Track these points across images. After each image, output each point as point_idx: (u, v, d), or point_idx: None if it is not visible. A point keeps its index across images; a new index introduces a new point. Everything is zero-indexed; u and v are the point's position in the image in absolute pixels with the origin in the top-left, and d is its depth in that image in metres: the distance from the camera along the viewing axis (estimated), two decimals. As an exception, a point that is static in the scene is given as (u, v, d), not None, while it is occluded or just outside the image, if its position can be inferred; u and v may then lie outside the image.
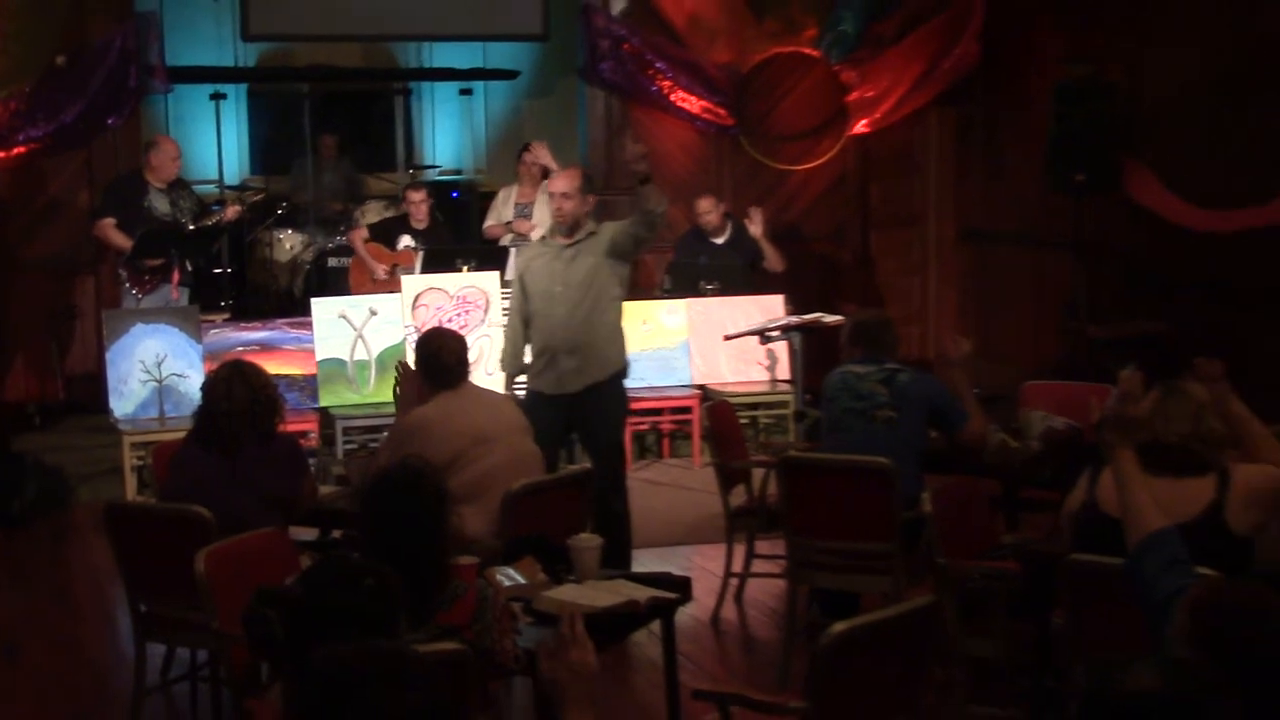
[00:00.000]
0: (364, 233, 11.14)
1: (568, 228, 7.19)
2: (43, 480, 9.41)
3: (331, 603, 3.32)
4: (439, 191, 11.92)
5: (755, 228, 10.78)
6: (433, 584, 4.12)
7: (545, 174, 10.99)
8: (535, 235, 10.35)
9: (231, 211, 10.56)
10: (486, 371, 9.26)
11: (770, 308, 10.42)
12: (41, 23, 10.50)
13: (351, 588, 3.35)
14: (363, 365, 9.98)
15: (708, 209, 10.82)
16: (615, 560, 7.01)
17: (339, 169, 13.86)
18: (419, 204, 10.86)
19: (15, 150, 10.50)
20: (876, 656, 4.19)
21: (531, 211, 10.97)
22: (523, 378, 7.49)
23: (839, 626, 4.06)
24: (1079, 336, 10.19)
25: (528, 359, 7.43)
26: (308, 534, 6.49)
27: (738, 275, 10.79)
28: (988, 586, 5.58)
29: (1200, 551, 3.95)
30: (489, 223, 11.31)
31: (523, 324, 7.33)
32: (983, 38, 11.85)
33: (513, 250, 10.44)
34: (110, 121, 10.82)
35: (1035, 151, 10.57)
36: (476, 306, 9.85)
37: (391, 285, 10.38)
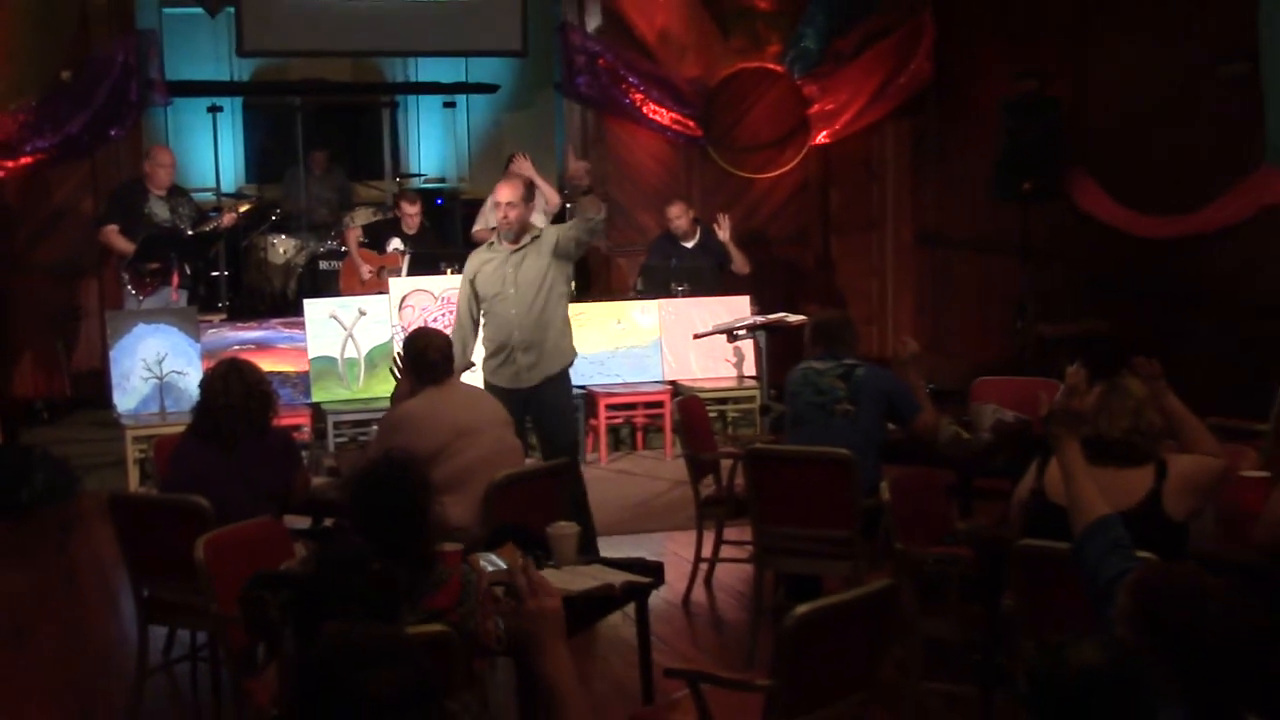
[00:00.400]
0: (359, 233, 11.12)
1: (514, 233, 7.31)
2: (50, 472, 9.36)
3: (341, 584, 3.31)
4: (423, 199, 11.88)
5: (723, 232, 10.78)
6: (419, 569, 4.11)
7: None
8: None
9: (228, 218, 10.54)
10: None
11: (737, 308, 10.42)
12: (48, 40, 10.46)
13: (360, 571, 3.34)
14: (352, 363, 9.96)
15: (678, 214, 10.81)
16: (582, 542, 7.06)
17: (329, 179, 13.84)
18: (413, 215, 10.86)
19: (23, 160, 10.47)
20: (838, 636, 4.20)
21: None
22: (475, 373, 7.53)
23: (802, 608, 4.06)
24: (1026, 335, 10.21)
25: (474, 357, 7.52)
26: (301, 522, 6.46)
27: (707, 277, 10.78)
28: (942, 570, 5.59)
29: (1140, 538, 3.97)
30: (477, 227, 11.27)
31: (471, 324, 7.43)
32: (935, 55, 11.91)
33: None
34: (113, 133, 10.78)
35: (985, 161, 10.59)
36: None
37: (379, 287, 10.37)
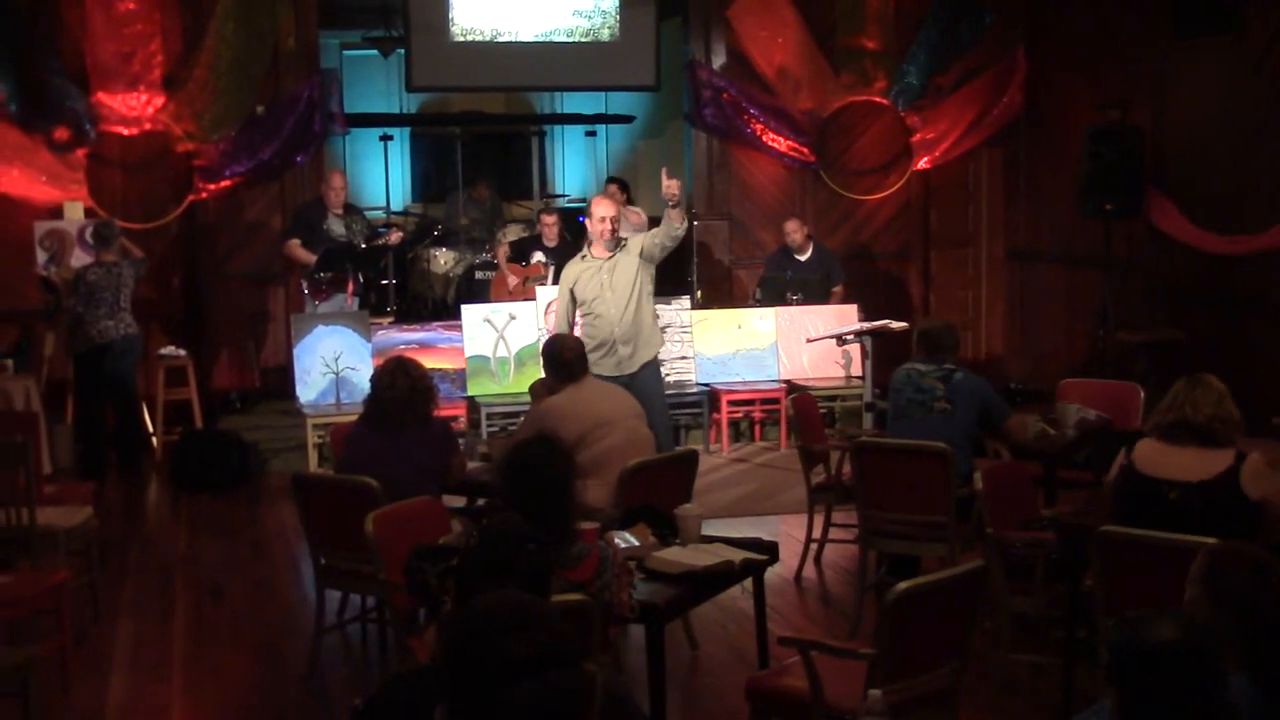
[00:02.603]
0: (507, 249, 11.20)
1: (613, 243, 7.55)
2: (242, 454, 9.53)
3: (500, 557, 3.32)
4: (567, 216, 11.95)
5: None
6: (562, 543, 4.13)
7: (629, 201, 11.16)
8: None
9: (395, 236, 10.65)
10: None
11: (846, 315, 10.35)
12: (245, 78, 10.64)
13: (519, 546, 3.35)
14: (504, 361, 10.04)
15: (794, 229, 10.77)
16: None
17: (487, 205, 13.91)
18: (550, 225, 10.89)
19: (223, 183, 10.65)
20: (934, 611, 4.15)
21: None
22: None
23: (903, 585, 4.03)
24: (1107, 341, 10.04)
25: None
26: (457, 501, 6.54)
27: (818, 288, 10.72)
28: (1029, 553, 5.53)
29: (1216, 508, 3.91)
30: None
31: (569, 327, 7.62)
32: (1026, 88, 11.73)
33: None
34: (299, 159, 10.92)
35: (1071, 183, 10.41)
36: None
37: (526, 294, 10.42)
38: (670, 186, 7.44)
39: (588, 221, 7.70)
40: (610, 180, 11.93)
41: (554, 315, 7.94)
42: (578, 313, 7.66)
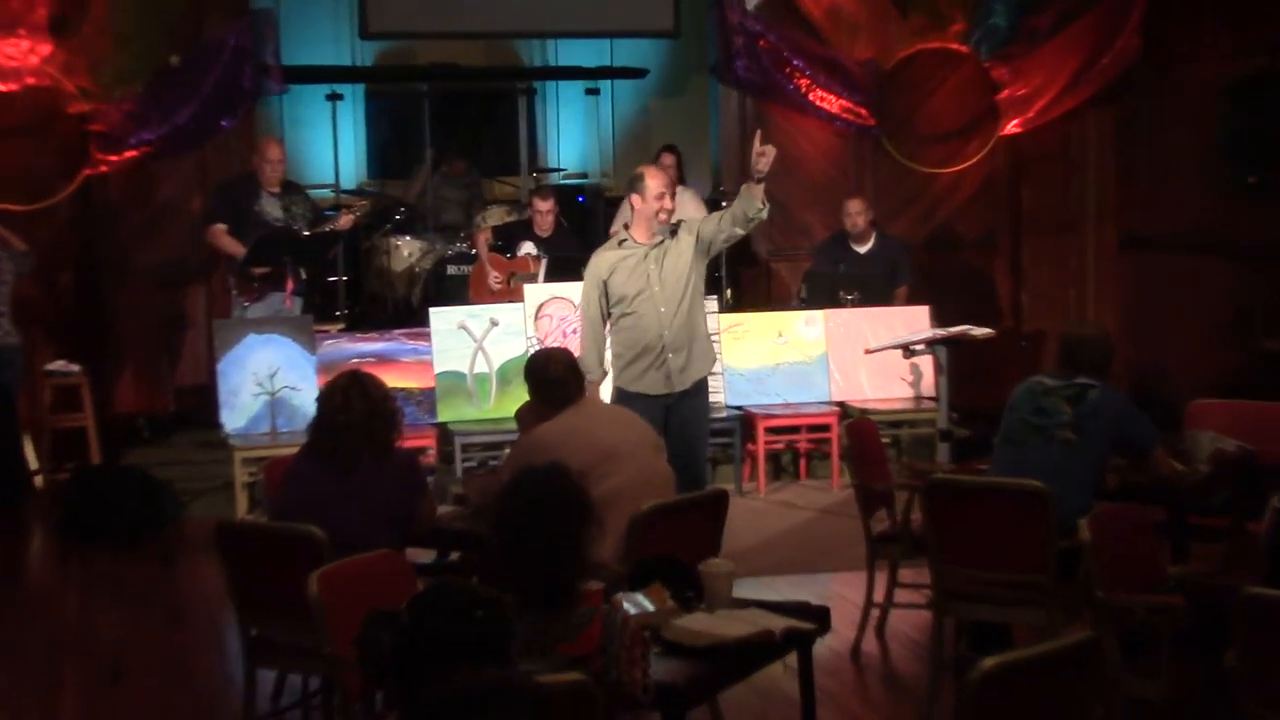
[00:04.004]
0: (489, 234, 11.19)
1: (665, 227, 7.44)
2: (151, 496, 9.53)
3: (440, 632, 3.31)
4: (563, 195, 11.94)
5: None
6: (558, 606, 4.10)
7: (681, 179, 11.02)
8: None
9: (345, 220, 10.59)
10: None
11: (914, 319, 10.34)
12: (155, 21, 10.68)
13: (461, 618, 3.34)
14: (483, 379, 10.04)
15: (857, 211, 10.80)
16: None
17: (462, 182, 13.91)
18: (545, 213, 10.90)
19: (127, 153, 10.69)
20: (1030, 695, 4.12)
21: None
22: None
23: (989, 662, 4.00)
24: (1251, 350, 10.01)
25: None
26: (425, 556, 6.52)
27: (879, 285, 10.72)
28: (1152, 621, 5.49)
29: None
30: (615, 228, 11.30)
31: (603, 330, 7.54)
32: (1145, 30, 11.72)
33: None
34: (224, 123, 10.98)
35: (1203, 151, 10.40)
36: (603, 317, 9.87)
37: (513, 295, 10.42)
38: (764, 155, 7.24)
39: (634, 198, 7.50)
40: (665, 149, 11.78)
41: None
42: (611, 314, 7.53)
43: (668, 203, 7.41)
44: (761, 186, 7.23)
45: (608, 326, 7.55)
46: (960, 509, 6.25)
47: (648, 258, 7.42)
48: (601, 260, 7.55)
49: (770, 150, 7.18)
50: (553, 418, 6.16)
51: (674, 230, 7.46)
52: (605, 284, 7.48)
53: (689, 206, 10.64)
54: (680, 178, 11.24)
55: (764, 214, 7.33)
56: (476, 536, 5.75)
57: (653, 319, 7.40)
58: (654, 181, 7.46)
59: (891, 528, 7.14)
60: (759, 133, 7.48)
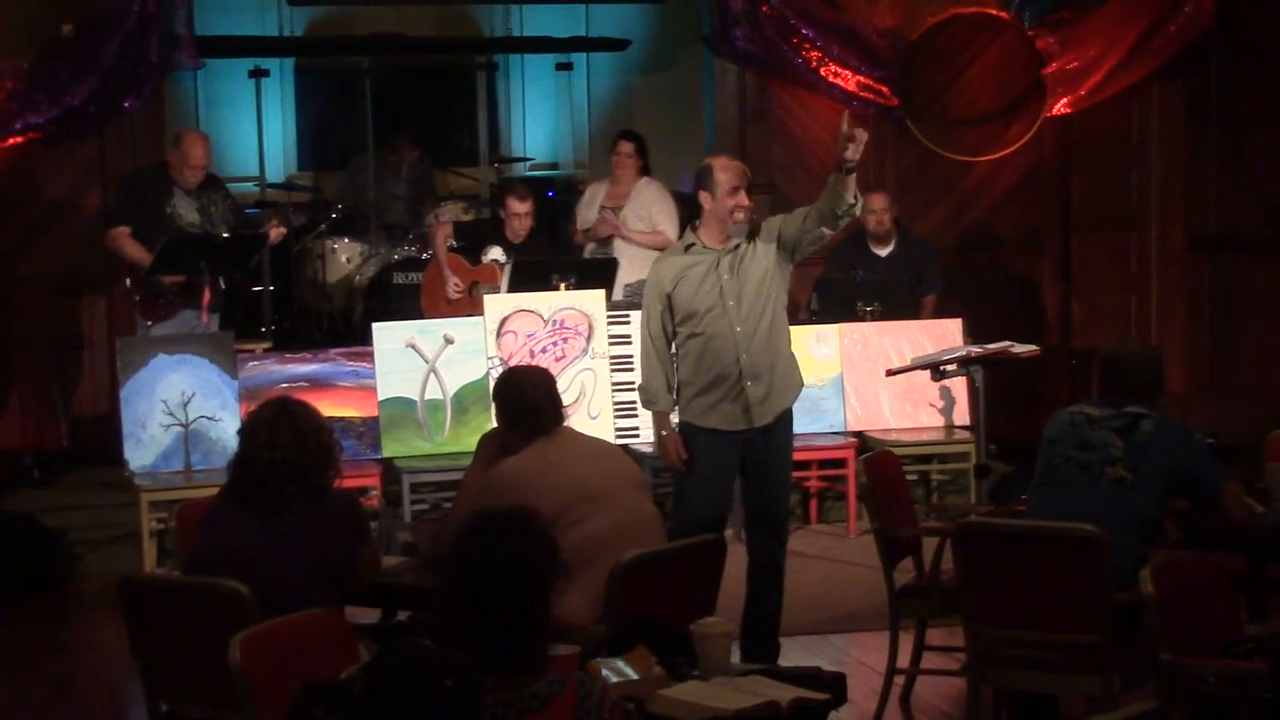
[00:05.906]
0: (449, 231, 11.02)
1: (742, 228, 7.32)
2: (42, 546, 9.53)
3: (404, 707, 3.33)
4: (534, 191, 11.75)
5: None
6: (522, 672, 4.13)
7: (645, 169, 10.99)
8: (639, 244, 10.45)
9: (276, 233, 10.46)
10: (590, 415, 9.31)
11: (946, 335, 10.39)
12: (43, -16, 10.71)
13: (428, 689, 3.35)
14: (435, 407, 10.05)
15: (881, 207, 10.81)
16: (763, 644, 7.14)
17: (411, 174, 13.88)
18: (523, 215, 10.59)
19: (11, 140, 10.67)
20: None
21: (620, 214, 10.92)
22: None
23: (1034, 737, 4.04)
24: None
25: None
26: (367, 615, 6.54)
27: (904, 295, 10.74)
28: (1227, 690, 5.52)
29: None
30: (575, 227, 11.23)
31: (669, 355, 7.44)
32: (1218, -8, 11.81)
33: (622, 263, 10.46)
34: (127, 104, 10.95)
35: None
36: (577, 333, 9.90)
37: (473, 308, 10.37)
38: (854, 141, 7.13)
39: (702, 195, 7.40)
40: (622, 136, 11.17)
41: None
42: (677, 335, 7.41)
43: (741, 199, 7.28)
44: (853, 178, 7.09)
45: (674, 348, 7.46)
46: (999, 558, 6.29)
47: (720, 265, 7.30)
48: (664, 268, 7.46)
49: (862, 135, 7.08)
50: (521, 449, 6.19)
51: (752, 233, 7.34)
52: (669, 297, 7.37)
53: (653, 204, 10.66)
54: (644, 168, 11.10)
55: (856, 210, 7.21)
56: (428, 592, 5.77)
57: (727, 340, 7.28)
58: (725, 175, 7.34)
59: (918, 580, 7.17)
60: (847, 114, 7.48)
